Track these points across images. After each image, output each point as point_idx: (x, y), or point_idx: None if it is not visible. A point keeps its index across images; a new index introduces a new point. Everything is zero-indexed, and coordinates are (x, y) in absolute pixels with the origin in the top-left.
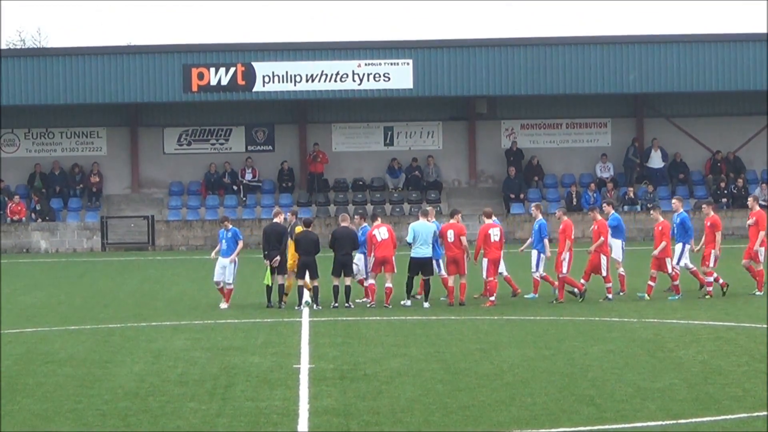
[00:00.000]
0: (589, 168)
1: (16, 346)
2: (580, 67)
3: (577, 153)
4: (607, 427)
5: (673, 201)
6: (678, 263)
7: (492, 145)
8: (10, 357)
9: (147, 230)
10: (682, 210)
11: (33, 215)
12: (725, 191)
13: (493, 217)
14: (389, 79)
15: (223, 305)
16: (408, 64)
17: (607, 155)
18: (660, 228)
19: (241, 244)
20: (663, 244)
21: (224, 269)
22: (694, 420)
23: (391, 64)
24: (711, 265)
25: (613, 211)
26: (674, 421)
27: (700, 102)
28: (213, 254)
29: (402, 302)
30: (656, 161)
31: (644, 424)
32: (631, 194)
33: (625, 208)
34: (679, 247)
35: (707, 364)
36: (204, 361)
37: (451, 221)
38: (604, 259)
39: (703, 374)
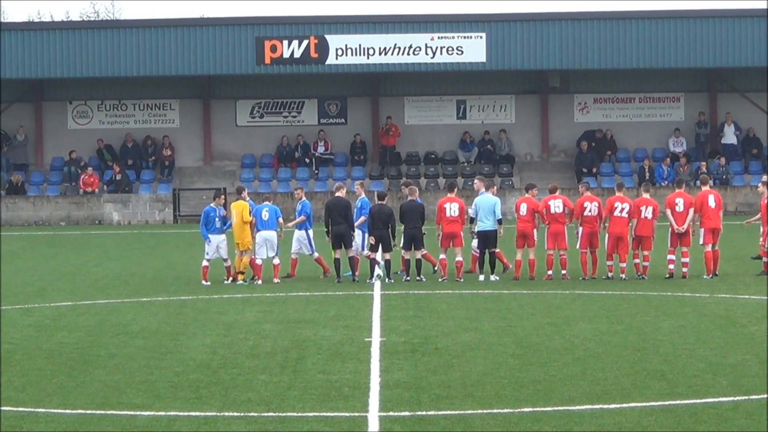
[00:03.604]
0: (662, 142)
1: (89, 318)
2: (653, 41)
3: (650, 127)
4: (678, 402)
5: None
6: None
7: (565, 119)
8: (83, 329)
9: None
10: None
11: (105, 187)
12: None
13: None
14: (462, 52)
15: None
16: (481, 37)
17: (680, 130)
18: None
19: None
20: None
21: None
22: (766, 396)
23: (464, 37)
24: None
25: None
26: (746, 397)
27: None
28: (290, 224)
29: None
30: (730, 136)
31: (716, 399)
32: (704, 169)
33: (697, 183)
34: None
35: None
36: (275, 334)
37: (526, 195)
38: None
39: None
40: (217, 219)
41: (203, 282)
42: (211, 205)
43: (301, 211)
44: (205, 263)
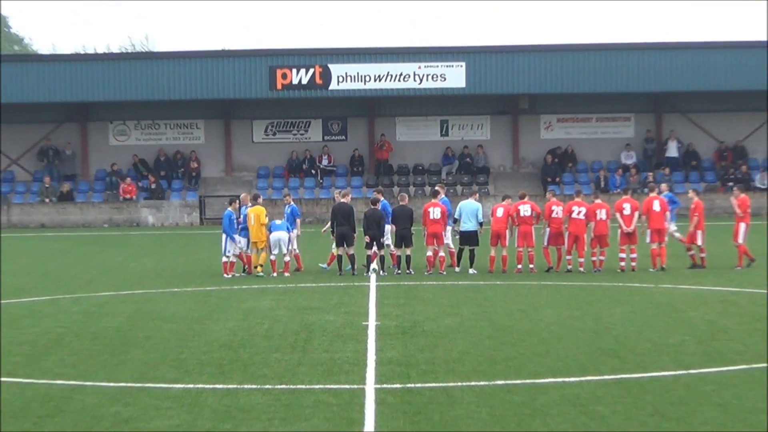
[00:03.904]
0: (615, 156)
1: (128, 306)
2: (608, 69)
3: (604, 143)
4: (628, 376)
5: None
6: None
7: (532, 136)
8: (123, 315)
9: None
10: None
11: (141, 194)
12: (731, 176)
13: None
14: (445, 79)
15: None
16: (461, 66)
17: (631, 145)
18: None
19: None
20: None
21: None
22: (702, 370)
23: (447, 66)
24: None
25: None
26: (685, 371)
27: (710, 100)
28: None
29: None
30: (673, 150)
31: (659, 373)
32: (651, 178)
33: (645, 190)
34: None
35: (714, 323)
36: (286, 319)
37: (503, 203)
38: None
39: (710, 332)
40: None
41: (225, 275)
42: (229, 209)
43: (290, 213)
44: (224, 259)
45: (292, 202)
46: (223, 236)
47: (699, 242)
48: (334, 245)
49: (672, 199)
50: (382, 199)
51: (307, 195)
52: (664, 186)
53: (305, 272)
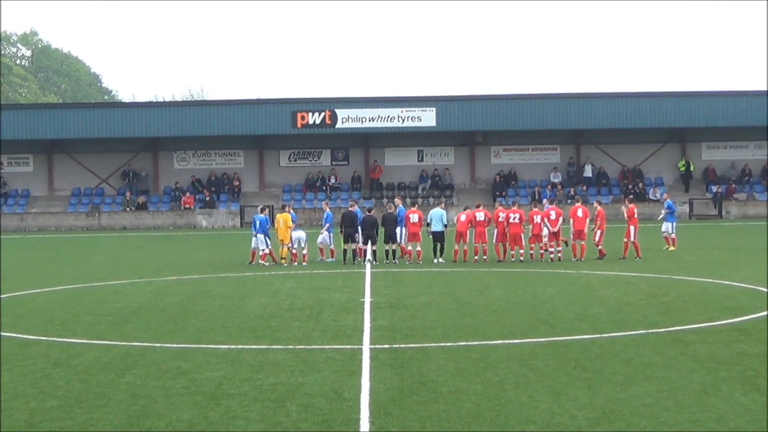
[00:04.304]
0: (546, 176)
1: (188, 286)
2: (541, 112)
3: (538, 166)
4: (557, 338)
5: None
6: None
7: (485, 161)
8: (183, 294)
9: (270, 214)
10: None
11: (199, 204)
12: (632, 191)
13: (480, 207)
14: (420, 120)
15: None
16: (433, 110)
17: (557, 168)
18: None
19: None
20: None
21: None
22: (612, 334)
23: (422, 110)
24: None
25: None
26: (599, 335)
27: (616, 134)
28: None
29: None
30: (588, 172)
31: (580, 337)
32: (573, 193)
33: (569, 201)
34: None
35: (620, 299)
36: (304, 296)
37: (465, 211)
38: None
39: (617, 306)
40: (257, 222)
41: (262, 262)
42: (259, 214)
43: (326, 218)
44: (262, 252)
45: (328, 209)
46: (259, 235)
47: (596, 238)
48: (342, 242)
49: (670, 206)
50: (400, 205)
51: (319, 205)
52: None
53: (316, 263)
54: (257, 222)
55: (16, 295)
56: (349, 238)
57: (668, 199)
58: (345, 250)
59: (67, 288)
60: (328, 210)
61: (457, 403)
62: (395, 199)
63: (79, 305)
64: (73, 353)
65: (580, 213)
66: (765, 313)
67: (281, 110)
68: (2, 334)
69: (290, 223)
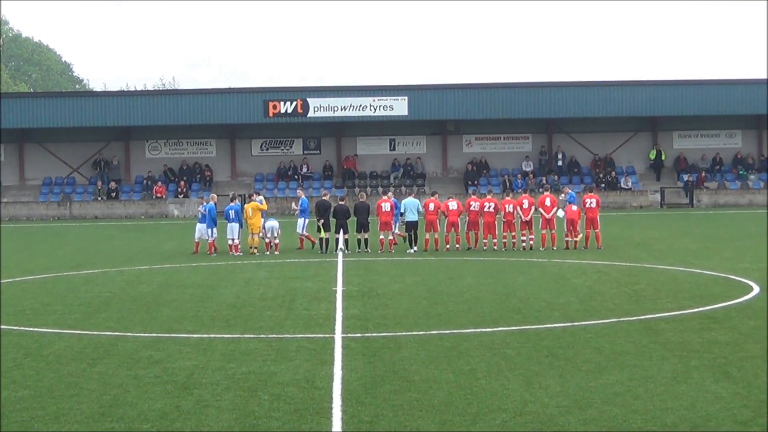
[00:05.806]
0: (517, 165)
1: (159, 276)
2: (512, 101)
3: (510, 155)
4: (528, 327)
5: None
6: None
7: (457, 150)
8: (155, 283)
9: (242, 203)
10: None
11: (171, 194)
12: (603, 180)
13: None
14: (393, 108)
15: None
16: (404, 99)
17: (529, 156)
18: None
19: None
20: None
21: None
22: (583, 323)
23: (394, 99)
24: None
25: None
26: (571, 324)
27: (587, 123)
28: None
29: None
30: (560, 161)
31: (552, 325)
32: (544, 181)
33: (541, 189)
34: None
35: (591, 288)
36: (277, 285)
37: (432, 198)
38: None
39: (589, 294)
40: (231, 212)
41: (232, 253)
42: (231, 203)
43: (301, 204)
44: (230, 242)
45: (303, 196)
46: (229, 224)
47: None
48: (319, 231)
49: (572, 197)
50: (392, 198)
51: (291, 194)
52: (566, 189)
53: (288, 251)
54: (231, 212)
55: None
56: (325, 227)
57: (570, 191)
58: (321, 239)
59: (38, 277)
60: (303, 196)
61: (429, 391)
62: (360, 192)
63: (51, 295)
64: (44, 343)
65: (548, 202)
66: (735, 301)
67: (253, 99)
68: None
69: (264, 206)
